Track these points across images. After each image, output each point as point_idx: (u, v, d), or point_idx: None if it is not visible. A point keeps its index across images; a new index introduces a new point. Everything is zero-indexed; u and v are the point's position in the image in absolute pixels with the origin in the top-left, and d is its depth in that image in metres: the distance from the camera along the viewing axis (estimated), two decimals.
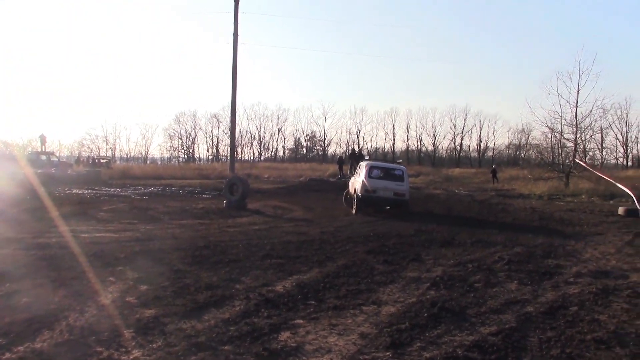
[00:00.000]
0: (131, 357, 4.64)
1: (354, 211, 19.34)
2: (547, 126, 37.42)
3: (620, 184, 21.22)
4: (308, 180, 39.26)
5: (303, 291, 7.05)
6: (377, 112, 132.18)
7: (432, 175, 56.24)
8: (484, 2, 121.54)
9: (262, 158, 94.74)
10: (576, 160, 34.42)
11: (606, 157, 67.64)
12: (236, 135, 41.40)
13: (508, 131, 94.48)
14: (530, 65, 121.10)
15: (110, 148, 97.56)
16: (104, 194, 25.27)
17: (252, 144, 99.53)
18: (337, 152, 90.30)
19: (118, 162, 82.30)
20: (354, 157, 38.64)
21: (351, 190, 21.17)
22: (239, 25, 32.92)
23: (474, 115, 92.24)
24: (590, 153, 42.40)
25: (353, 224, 15.59)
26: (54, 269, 8.01)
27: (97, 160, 54.65)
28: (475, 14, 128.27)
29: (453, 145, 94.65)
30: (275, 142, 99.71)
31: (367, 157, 23.90)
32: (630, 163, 78.96)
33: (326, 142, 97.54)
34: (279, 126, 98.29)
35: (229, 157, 40.19)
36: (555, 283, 8.01)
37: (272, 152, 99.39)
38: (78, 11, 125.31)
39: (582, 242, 12.44)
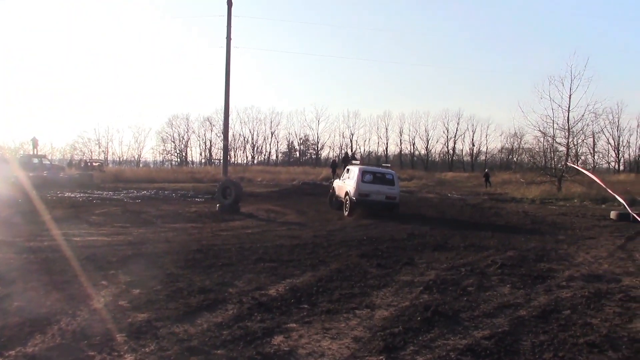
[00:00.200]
0: None
1: (346, 214, 19.57)
2: (540, 130, 37.62)
3: (611, 188, 21.25)
4: (301, 184, 39.27)
5: (296, 295, 7.04)
6: (370, 116, 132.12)
7: (425, 179, 56.42)
8: (477, 6, 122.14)
9: (255, 162, 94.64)
10: (569, 163, 34.55)
11: (598, 161, 68.06)
12: (229, 139, 41.35)
13: (501, 135, 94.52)
14: (523, 69, 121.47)
15: (103, 151, 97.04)
16: (96, 197, 25.16)
17: (245, 148, 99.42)
18: (331, 155, 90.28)
19: (110, 165, 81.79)
20: (347, 161, 38.67)
21: (340, 193, 21.47)
22: (232, 28, 32.90)
23: (467, 119, 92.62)
24: (582, 157, 42.48)
25: (346, 228, 15.59)
26: (46, 272, 7.97)
27: (89, 164, 54.37)
28: (468, 18, 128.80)
29: (446, 149, 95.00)
30: (268, 146, 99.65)
31: (357, 162, 23.90)
32: (622, 167, 79.40)
33: (319, 146, 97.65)
34: (272, 130, 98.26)
35: (222, 161, 40.08)
36: (548, 287, 8.04)
37: (265, 155, 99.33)
38: (71, 15, 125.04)
39: (575, 246, 12.49)
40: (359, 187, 19.38)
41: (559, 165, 36.88)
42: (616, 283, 8.45)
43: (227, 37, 32.99)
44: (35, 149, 43.67)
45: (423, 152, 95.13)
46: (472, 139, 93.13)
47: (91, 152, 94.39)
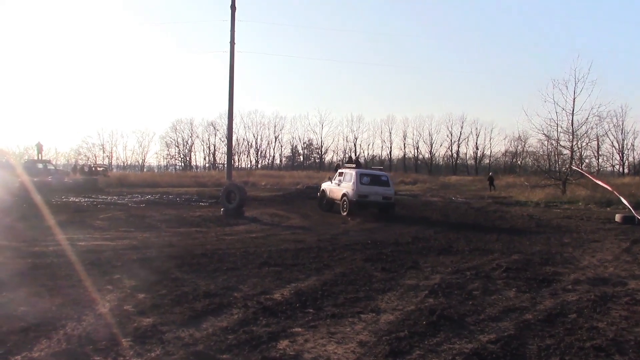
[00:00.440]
0: None
1: (345, 214, 20.58)
2: (544, 134, 37.65)
3: (616, 191, 21.22)
4: (305, 188, 39.22)
5: (301, 299, 7.03)
6: (373, 120, 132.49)
7: (429, 182, 56.47)
8: (480, 10, 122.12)
9: (259, 166, 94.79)
10: (573, 167, 34.50)
11: (602, 164, 67.91)
12: (233, 143, 41.34)
13: (504, 139, 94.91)
14: (527, 73, 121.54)
15: (107, 156, 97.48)
16: (100, 202, 25.21)
17: (249, 152, 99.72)
18: (334, 159, 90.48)
19: (115, 170, 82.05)
20: (359, 166, 38.65)
21: (334, 195, 22.47)
22: (235, 33, 32.96)
23: (471, 123, 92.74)
24: (587, 160, 42.59)
25: (350, 232, 15.59)
26: (50, 277, 7.97)
27: (93, 169, 54.48)
28: (471, 22, 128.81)
29: (450, 153, 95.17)
30: (272, 150, 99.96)
31: (352, 165, 24.25)
32: (626, 170, 79.23)
33: (323, 150, 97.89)
34: (276, 134, 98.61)
35: (226, 165, 40.12)
36: (554, 290, 8.01)
37: (269, 159, 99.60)
38: (75, 19, 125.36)
39: (580, 249, 12.46)
40: (358, 189, 20.57)
41: (563, 168, 36.84)
42: (622, 286, 8.42)
43: (230, 42, 33.05)
44: (39, 154, 43.84)
45: (427, 155, 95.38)
46: (476, 143, 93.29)
47: (95, 156, 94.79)
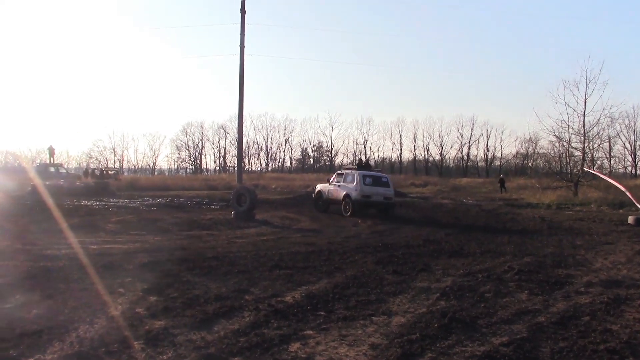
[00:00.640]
0: None
1: (348, 214, 21.49)
2: (555, 135, 37.45)
3: (629, 192, 21.10)
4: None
5: (312, 302, 7.02)
6: (383, 122, 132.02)
7: (439, 185, 56.31)
8: (490, 12, 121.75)
9: (269, 169, 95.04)
10: (585, 168, 34.30)
11: (614, 165, 67.44)
12: (243, 146, 41.43)
13: (515, 140, 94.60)
14: (537, 74, 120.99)
15: (118, 159, 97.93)
16: (112, 205, 25.31)
17: (259, 155, 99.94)
18: (344, 162, 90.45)
19: (126, 173, 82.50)
20: (362, 167, 38.63)
21: (333, 196, 23.29)
22: (245, 36, 33.10)
23: (481, 124, 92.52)
24: (599, 162, 42.27)
25: (361, 235, 15.57)
26: (63, 280, 8.02)
27: (105, 172, 54.73)
28: (481, 23, 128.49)
29: (460, 155, 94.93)
30: (282, 153, 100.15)
31: (352, 169, 24.95)
32: (639, 172, 78.61)
33: (333, 153, 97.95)
34: (286, 137, 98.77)
35: (236, 168, 40.22)
36: (566, 293, 7.96)
37: (279, 162, 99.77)
38: (88, 23, 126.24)
39: (593, 251, 12.37)
40: (361, 190, 21.62)
41: (575, 170, 36.64)
42: (636, 289, 8.34)
43: (240, 45, 33.25)
44: (51, 158, 44.05)
45: (437, 158, 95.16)
46: (487, 145, 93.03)
47: (107, 160, 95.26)
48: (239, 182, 34.06)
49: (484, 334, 5.81)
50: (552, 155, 41.10)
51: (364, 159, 65.98)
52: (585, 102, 35.58)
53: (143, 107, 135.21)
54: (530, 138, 77.06)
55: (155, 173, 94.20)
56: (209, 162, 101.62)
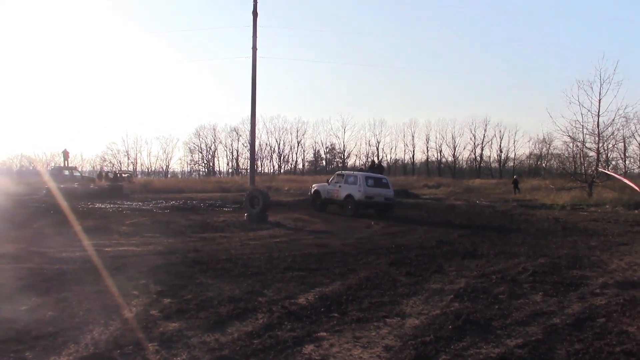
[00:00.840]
0: None
1: (351, 214, 22.48)
2: (569, 136, 37.19)
3: None
4: None
5: (326, 303, 7.02)
6: (396, 124, 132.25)
7: (452, 186, 56.13)
8: (503, 12, 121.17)
9: (281, 171, 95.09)
10: (600, 168, 34.04)
11: (629, 166, 66.79)
12: (256, 148, 41.55)
13: (529, 141, 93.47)
14: (551, 74, 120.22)
15: (132, 162, 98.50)
16: (126, 208, 25.43)
17: (271, 157, 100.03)
18: (357, 164, 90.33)
19: (139, 176, 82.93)
20: (374, 169, 38.63)
21: (334, 196, 24.23)
22: (257, 39, 33.17)
23: (494, 125, 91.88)
24: (613, 162, 42.00)
25: (374, 236, 15.54)
26: (77, 282, 8.07)
27: (118, 175, 55.12)
28: (493, 24, 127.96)
29: (473, 156, 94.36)
30: (294, 155, 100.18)
31: (346, 171, 25.97)
32: None
33: (345, 154, 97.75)
34: (299, 139, 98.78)
35: (249, 170, 40.31)
36: (581, 294, 7.89)
37: (291, 164, 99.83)
38: (101, 27, 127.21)
39: (608, 252, 12.27)
40: (365, 191, 22.74)
41: (589, 170, 36.37)
42: None
43: (252, 48, 33.28)
44: (66, 161, 44.47)
45: (450, 159, 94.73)
46: (500, 146, 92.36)
47: (120, 163, 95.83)
48: (252, 184, 34.09)
49: (499, 335, 5.78)
50: (566, 155, 40.89)
51: (376, 161, 66.02)
52: (599, 102, 35.40)
53: (156, 110, 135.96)
54: (544, 139, 76.64)
55: (169, 176, 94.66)
56: (222, 164, 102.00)
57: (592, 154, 36.92)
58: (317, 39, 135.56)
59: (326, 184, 25.41)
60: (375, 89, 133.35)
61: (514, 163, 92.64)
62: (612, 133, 36.19)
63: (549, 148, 75.58)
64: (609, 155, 37.94)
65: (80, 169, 58.81)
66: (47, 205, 24.77)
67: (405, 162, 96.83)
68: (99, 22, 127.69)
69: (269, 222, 18.94)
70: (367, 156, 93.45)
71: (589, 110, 35.68)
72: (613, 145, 38.41)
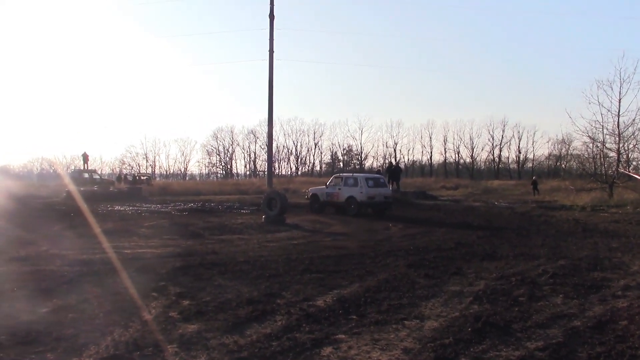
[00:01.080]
0: None
1: (353, 214, 23.35)
2: (589, 136, 36.67)
3: None
4: None
5: (344, 306, 7.01)
6: (413, 125, 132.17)
7: (470, 187, 55.76)
8: (520, 12, 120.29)
9: (299, 173, 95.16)
10: (620, 169, 33.63)
11: None
12: (273, 151, 41.63)
13: (548, 142, 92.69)
14: (570, 74, 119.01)
15: (150, 165, 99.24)
16: (144, 210, 25.63)
17: (289, 159, 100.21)
18: (374, 165, 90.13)
19: (158, 178, 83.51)
20: (391, 171, 38.51)
21: (336, 199, 24.95)
22: (274, 41, 33.28)
23: (513, 126, 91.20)
24: (634, 163, 41.36)
25: (392, 238, 15.49)
26: (98, 284, 8.15)
27: (137, 178, 55.53)
28: (511, 25, 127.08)
29: (491, 157, 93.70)
30: (312, 157, 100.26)
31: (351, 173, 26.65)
32: None
33: (363, 156, 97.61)
34: (316, 141, 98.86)
35: (266, 172, 40.42)
36: (603, 297, 7.80)
37: (309, 166, 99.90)
38: (120, 32, 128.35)
39: (629, 254, 12.10)
40: (366, 191, 23.76)
41: (610, 171, 35.94)
42: None
43: (269, 50, 33.41)
44: (85, 164, 44.84)
45: (468, 160, 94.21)
46: (519, 146, 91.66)
47: (139, 166, 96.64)
48: (270, 186, 34.19)
49: (519, 338, 5.73)
50: (586, 156, 40.41)
51: (393, 162, 65.85)
52: (619, 102, 34.84)
53: (174, 113, 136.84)
54: (563, 139, 75.82)
55: (187, 178, 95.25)
56: (240, 166, 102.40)
57: (612, 154, 36.45)
58: (333, 41, 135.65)
59: (324, 187, 26.27)
60: (392, 91, 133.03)
61: (533, 164, 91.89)
62: (633, 133, 35.62)
63: (569, 149, 74.99)
64: (629, 155, 37.33)
65: (99, 172, 59.32)
66: (67, 208, 25.06)
67: (423, 163, 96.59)
68: (119, 27, 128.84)
69: (287, 224, 18.97)
70: (384, 158, 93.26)
71: (608, 110, 35.17)
72: (634, 146, 37.75)
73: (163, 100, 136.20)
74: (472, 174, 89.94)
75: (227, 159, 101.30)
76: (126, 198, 34.46)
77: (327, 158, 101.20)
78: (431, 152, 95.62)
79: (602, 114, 35.20)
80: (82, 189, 33.33)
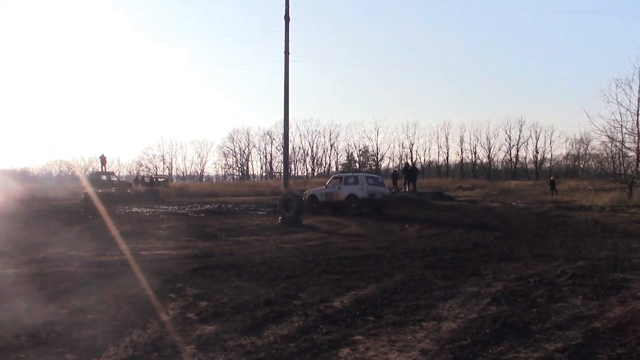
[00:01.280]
0: None
1: (354, 212, 24.24)
2: (607, 135, 36.28)
3: None
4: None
5: (361, 307, 7.00)
6: (429, 126, 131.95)
7: (487, 188, 55.49)
8: (537, 12, 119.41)
9: (315, 174, 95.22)
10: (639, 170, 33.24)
11: None
12: (289, 152, 41.70)
13: (565, 141, 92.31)
14: (588, 73, 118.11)
15: (167, 167, 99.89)
16: (162, 212, 25.79)
17: (305, 160, 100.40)
18: (390, 166, 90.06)
19: (175, 180, 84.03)
20: (408, 172, 38.41)
21: (335, 198, 25.88)
22: (290, 42, 33.35)
23: (530, 126, 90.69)
24: None
25: (408, 239, 15.43)
26: (116, 286, 8.21)
27: (154, 179, 55.90)
28: (528, 25, 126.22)
29: (509, 157, 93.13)
30: (328, 158, 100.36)
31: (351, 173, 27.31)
32: None
33: (379, 157, 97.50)
34: (332, 142, 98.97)
35: (282, 174, 40.49)
36: (623, 298, 7.71)
37: (325, 167, 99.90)
38: (136, 34, 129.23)
39: None
40: (367, 189, 25.04)
41: (629, 171, 35.55)
42: None
43: (285, 52, 33.54)
44: (103, 166, 45.26)
45: (485, 160, 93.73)
46: (536, 146, 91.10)
47: (156, 167, 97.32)
48: (286, 187, 34.30)
49: (538, 339, 5.68)
50: (605, 156, 39.97)
51: (410, 163, 65.68)
52: (638, 101, 34.48)
53: (191, 115, 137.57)
54: (581, 139, 75.44)
55: (203, 180, 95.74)
56: (256, 168, 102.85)
57: (631, 153, 36.03)
58: (348, 41, 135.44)
59: (322, 188, 27.35)
60: (408, 91, 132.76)
61: (551, 164, 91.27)
62: None
63: (587, 148, 74.46)
64: None
65: (117, 174, 59.78)
66: (85, 210, 25.29)
67: (439, 163, 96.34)
68: (134, 30, 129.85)
69: (303, 225, 19.00)
70: (400, 158, 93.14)
71: (627, 109, 34.79)
72: None
73: (179, 102, 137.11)
74: (489, 174, 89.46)
75: (244, 160, 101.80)
76: (143, 200, 34.68)
77: (343, 159, 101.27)
78: (447, 153, 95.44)
79: (620, 113, 34.82)
80: (99, 190, 33.64)
